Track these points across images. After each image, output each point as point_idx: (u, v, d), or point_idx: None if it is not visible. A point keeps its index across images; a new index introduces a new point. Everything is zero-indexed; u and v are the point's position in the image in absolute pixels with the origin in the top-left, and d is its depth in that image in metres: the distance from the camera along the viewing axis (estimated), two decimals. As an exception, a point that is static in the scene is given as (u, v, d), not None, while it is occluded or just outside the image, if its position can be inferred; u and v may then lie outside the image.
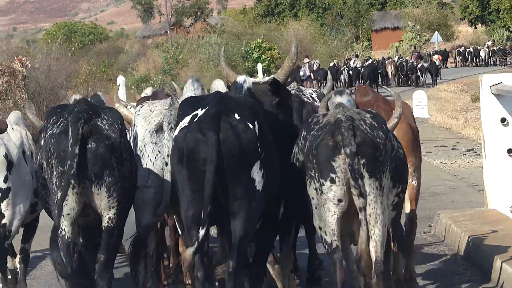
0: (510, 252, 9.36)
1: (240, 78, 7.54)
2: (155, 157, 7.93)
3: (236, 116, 6.68)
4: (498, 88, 11.25)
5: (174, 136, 7.01)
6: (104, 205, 7.20)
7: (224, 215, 6.78)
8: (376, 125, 7.01)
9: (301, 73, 44.25)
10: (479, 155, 21.32)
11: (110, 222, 7.26)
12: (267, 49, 57.12)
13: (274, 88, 7.55)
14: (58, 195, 6.99)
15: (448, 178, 17.43)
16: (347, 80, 53.36)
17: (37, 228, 13.46)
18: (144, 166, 7.98)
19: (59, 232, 7.15)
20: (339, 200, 6.82)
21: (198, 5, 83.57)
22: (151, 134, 7.97)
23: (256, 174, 6.72)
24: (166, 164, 7.77)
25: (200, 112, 6.74)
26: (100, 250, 7.30)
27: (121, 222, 7.44)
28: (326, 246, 6.99)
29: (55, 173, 7.09)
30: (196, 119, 6.71)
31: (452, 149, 22.96)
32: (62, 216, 7.07)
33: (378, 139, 6.91)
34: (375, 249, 6.86)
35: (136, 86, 46.63)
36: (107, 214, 7.24)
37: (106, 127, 7.18)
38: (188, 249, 6.62)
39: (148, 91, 9.97)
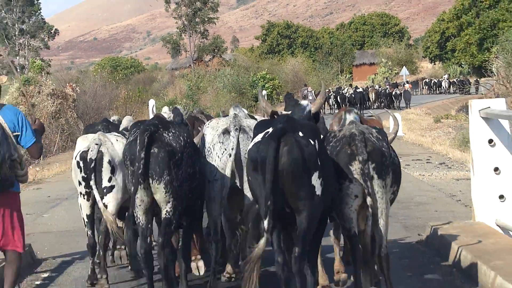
0: (505, 267, 7.84)
1: (304, 102, 7.55)
2: (222, 153, 7.85)
3: (300, 134, 6.55)
4: (487, 112, 9.91)
5: (248, 150, 6.90)
6: (162, 199, 7.24)
7: (287, 214, 6.62)
8: (380, 138, 7.19)
9: (310, 97, 45.18)
10: (451, 168, 19.91)
11: (167, 214, 7.30)
12: (270, 79, 57.35)
13: (316, 116, 7.53)
14: (132, 190, 7.16)
15: (428, 189, 15.97)
16: (334, 104, 54.29)
17: (66, 235, 12.06)
18: (212, 163, 7.92)
19: (135, 219, 7.36)
20: (356, 196, 6.99)
21: (215, 44, 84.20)
22: (219, 136, 7.92)
23: (315, 181, 6.51)
24: (230, 156, 7.75)
25: (270, 130, 6.59)
26: (159, 235, 7.40)
27: (178, 214, 7.40)
28: (346, 232, 7.15)
29: (129, 172, 7.27)
30: (267, 135, 6.58)
31: (427, 162, 21.57)
32: (136, 206, 7.24)
33: (383, 148, 7.08)
34: (380, 236, 7.00)
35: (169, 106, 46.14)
36: (165, 207, 7.28)
37: (170, 137, 7.25)
38: (261, 241, 6.39)
39: (165, 109, 9.58)
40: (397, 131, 8.42)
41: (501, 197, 9.77)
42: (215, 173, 7.82)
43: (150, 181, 7.14)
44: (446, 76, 79.12)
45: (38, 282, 8.93)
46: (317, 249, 7.23)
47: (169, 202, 7.24)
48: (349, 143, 6.96)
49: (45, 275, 9.48)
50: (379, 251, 7.01)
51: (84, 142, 8.51)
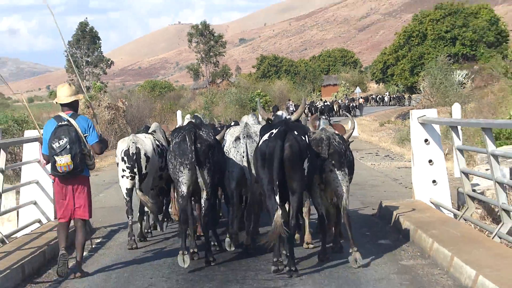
0: (439, 235, 7.41)
1: (279, 113, 7.55)
2: (235, 155, 7.74)
3: (295, 132, 6.62)
4: (423, 119, 9.53)
5: (259, 145, 6.80)
6: (204, 180, 7.11)
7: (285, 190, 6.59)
8: (341, 142, 7.17)
9: (291, 109, 45.11)
10: (393, 159, 19.44)
11: (207, 193, 7.20)
12: (263, 95, 57.04)
13: (297, 121, 7.29)
14: (179, 174, 7.06)
15: (378, 175, 15.50)
16: (308, 113, 52.76)
17: (115, 209, 11.57)
18: (229, 160, 7.78)
19: (180, 193, 7.15)
20: (321, 183, 7.05)
21: (224, 71, 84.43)
22: (233, 142, 7.83)
23: (306, 165, 6.56)
24: (243, 157, 7.66)
25: (274, 131, 6.63)
26: (202, 200, 7.28)
27: (214, 191, 7.51)
28: (316, 206, 7.21)
29: (178, 162, 7.07)
30: (273, 135, 6.60)
31: (376, 155, 21.11)
32: (182, 184, 7.08)
33: (342, 150, 7.06)
34: (344, 203, 6.99)
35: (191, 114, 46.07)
36: (206, 187, 7.16)
37: (205, 135, 7.17)
38: (277, 212, 6.38)
39: (187, 117, 9.65)
40: (353, 129, 8.26)
41: (434, 181, 9.44)
42: (231, 166, 7.72)
43: (197, 168, 7.01)
44: (387, 93, 78.79)
45: (93, 246, 8.47)
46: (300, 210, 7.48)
47: (209, 183, 7.15)
48: (318, 145, 6.96)
49: (98, 240, 9.07)
50: (346, 216, 6.95)
51: (123, 143, 8.50)
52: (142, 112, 38.80)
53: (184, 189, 7.08)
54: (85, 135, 6.83)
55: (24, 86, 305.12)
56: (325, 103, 56.80)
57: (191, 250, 7.31)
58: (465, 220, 8.27)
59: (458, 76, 51.51)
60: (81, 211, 6.89)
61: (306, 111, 55.30)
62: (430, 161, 9.43)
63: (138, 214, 8.77)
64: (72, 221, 7.06)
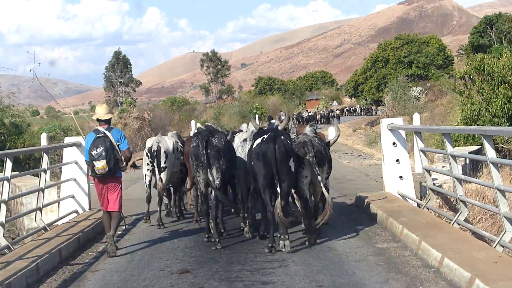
0: (408, 222, 6.97)
1: (273, 121, 7.49)
2: (241, 153, 7.45)
3: (282, 137, 6.47)
4: (392, 126, 9.08)
5: (253, 147, 6.60)
6: (213, 178, 6.73)
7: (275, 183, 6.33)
8: (320, 143, 6.94)
9: (282, 118, 44.67)
10: (365, 158, 18.99)
11: (217, 185, 6.78)
12: (260, 108, 56.73)
13: (285, 130, 7.29)
14: (196, 174, 6.87)
15: (353, 171, 15.06)
16: (296, 121, 52.46)
17: (140, 201, 11.10)
18: (238, 158, 7.43)
19: (198, 189, 7.04)
20: (306, 176, 6.69)
21: (229, 89, 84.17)
22: (241, 142, 7.61)
23: (291, 163, 6.39)
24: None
25: (265, 136, 6.49)
26: (214, 191, 6.88)
27: (223, 186, 7.07)
28: (300, 197, 6.85)
29: (194, 164, 6.84)
30: (264, 139, 6.46)
31: (351, 155, 20.64)
32: (199, 183, 6.88)
33: (322, 151, 6.83)
34: (326, 196, 6.62)
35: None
36: (216, 182, 6.76)
37: (216, 140, 6.80)
38: (277, 200, 6.26)
39: (198, 125, 9.99)
40: (338, 136, 8.26)
41: (401, 177, 8.97)
42: (240, 163, 7.42)
43: (208, 168, 6.70)
44: (358, 105, 78.06)
45: (119, 232, 8.02)
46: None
47: (218, 178, 6.76)
48: (303, 146, 6.68)
49: (123, 227, 8.61)
50: (328, 204, 6.55)
51: (150, 141, 8.62)
52: (163, 122, 38.80)
53: (202, 186, 6.91)
54: (117, 143, 6.81)
55: (71, 102, 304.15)
56: (309, 114, 56.17)
57: (206, 236, 7.14)
58: (428, 209, 7.85)
59: (414, 91, 51.31)
60: (113, 205, 6.87)
61: (294, 120, 55.06)
62: (397, 160, 8.99)
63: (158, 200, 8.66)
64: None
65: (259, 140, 6.52)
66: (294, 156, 6.46)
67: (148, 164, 8.40)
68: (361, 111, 74.86)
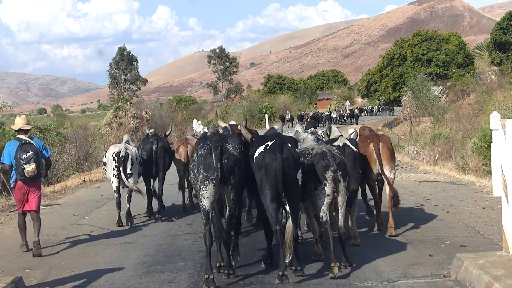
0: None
1: (275, 126, 6.55)
2: None
3: (289, 145, 5.50)
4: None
5: (255, 156, 5.51)
6: (228, 196, 5.56)
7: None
8: (339, 153, 5.91)
9: (287, 118, 42.31)
10: (406, 170, 15.24)
11: (232, 207, 5.60)
12: (269, 107, 54.31)
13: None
14: (202, 188, 5.41)
15: (403, 192, 11.27)
16: (327, 122, 50.24)
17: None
18: None
19: (201, 206, 5.47)
20: (328, 195, 5.56)
21: (237, 87, 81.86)
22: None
23: (299, 176, 5.46)
24: None
25: (269, 143, 5.46)
26: (228, 210, 5.62)
27: (239, 204, 5.92)
28: (319, 219, 5.65)
29: (201, 175, 5.40)
30: (268, 147, 5.43)
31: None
32: (204, 198, 5.41)
33: (344, 161, 5.84)
34: (343, 218, 5.67)
35: (207, 124, 42.94)
36: (230, 200, 5.56)
37: (231, 148, 5.52)
38: (288, 221, 5.29)
39: (195, 122, 9.52)
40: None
41: None
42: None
43: (222, 183, 5.44)
44: (371, 106, 74.00)
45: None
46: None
47: (232, 199, 5.61)
48: (323, 157, 5.66)
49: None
50: (342, 227, 5.68)
51: (115, 148, 8.75)
52: (164, 121, 35.91)
53: (206, 203, 5.54)
54: (40, 150, 7.22)
55: (80, 100, 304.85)
56: (328, 113, 54.41)
57: (217, 264, 5.88)
58: None
59: (434, 91, 48.22)
60: (33, 202, 7.21)
61: (308, 119, 52.06)
62: None
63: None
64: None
65: (261, 148, 5.56)
66: (302, 167, 5.58)
67: (113, 169, 8.59)
68: (378, 110, 70.26)
